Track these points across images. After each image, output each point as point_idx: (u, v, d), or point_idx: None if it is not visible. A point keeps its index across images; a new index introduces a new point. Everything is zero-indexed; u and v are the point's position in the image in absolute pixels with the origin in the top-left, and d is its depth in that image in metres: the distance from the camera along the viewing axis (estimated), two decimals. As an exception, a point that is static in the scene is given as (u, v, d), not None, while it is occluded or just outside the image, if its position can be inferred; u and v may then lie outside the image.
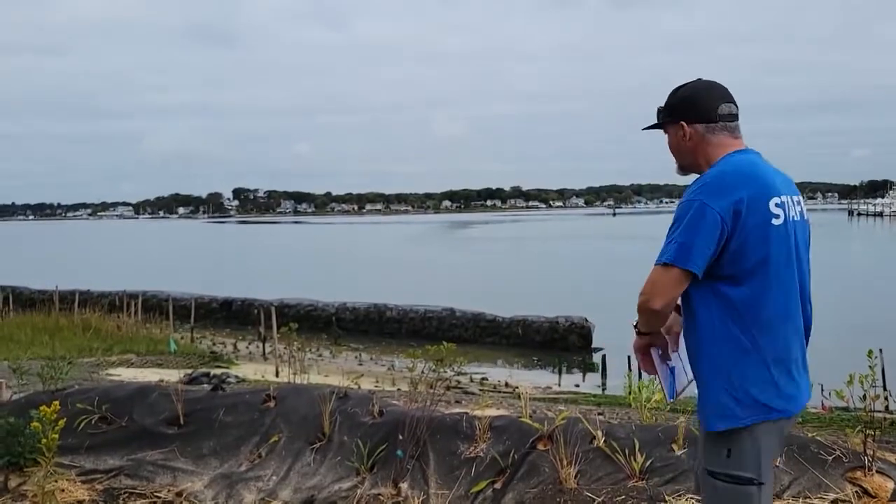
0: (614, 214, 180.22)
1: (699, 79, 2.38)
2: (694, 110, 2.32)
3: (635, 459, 3.89)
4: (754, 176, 2.21)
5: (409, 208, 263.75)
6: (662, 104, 2.41)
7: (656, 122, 2.43)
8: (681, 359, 2.45)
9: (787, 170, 2.40)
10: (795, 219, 2.25)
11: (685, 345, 2.38)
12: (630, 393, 5.27)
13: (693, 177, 2.35)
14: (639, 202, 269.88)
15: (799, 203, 2.30)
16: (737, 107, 2.34)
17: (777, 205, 2.20)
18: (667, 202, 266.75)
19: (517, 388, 13.67)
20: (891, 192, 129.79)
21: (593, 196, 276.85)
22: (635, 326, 2.41)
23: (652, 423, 4.50)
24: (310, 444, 4.60)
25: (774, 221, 2.18)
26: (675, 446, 3.99)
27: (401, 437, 4.36)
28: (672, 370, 2.47)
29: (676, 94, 2.38)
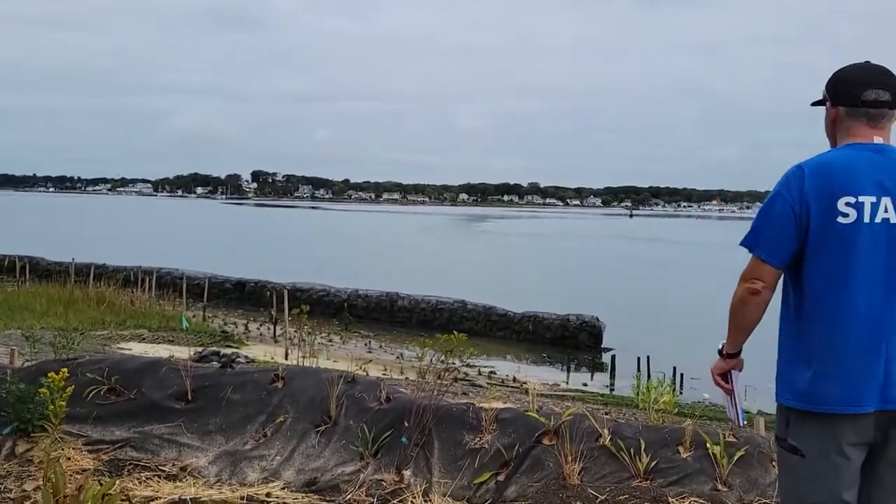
0: (631, 216, 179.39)
1: (866, 61, 2.32)
2: (841, 91, 2.28)
3: (640, 459, 3.86)
4: (836, 171, 2.18)
5: (426, 199, 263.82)
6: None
7: (821, 98, 2.38)
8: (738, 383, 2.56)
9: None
10: (873, 221, 2.15)
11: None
12: (638, 394, 5.23)
13: None
14: (656, 204, 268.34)
15: (891, 205, 2.17)
16: (891, 95, 2.23)
17: (849, 204, 2.14)
18: (685, 206, 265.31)
19: (525, 383, 13.68)
20: None
21: (611, 196, 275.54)
22: (720, 351, 2.51)
23: (659, 425, 4.47)
24: (315, 427, 4.61)
25: (841, 220, 2.14)
26: (681, 449, 3.96)
27: (406, 425, 4.35)
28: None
29: (835, 74, 2.34)
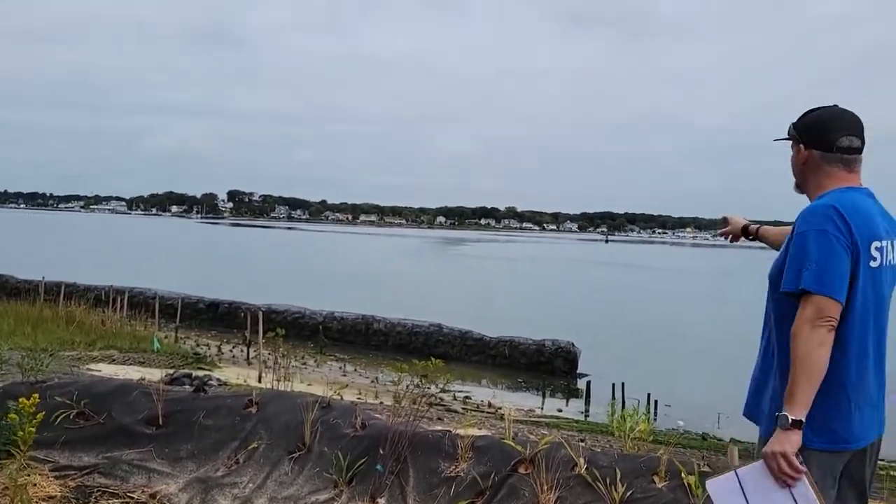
0: (607, 241, 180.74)
1: (835, 105, 2.40)
2: (814, 136, 2.36)
3: (616, 489, 3.85)
4: (862, 216, 2.23)
5: (404, 221, 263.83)
6: (794, 121, 2.46)
7: (787, 135, 2.47)
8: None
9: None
10: (893, 262, 2.29)
11: (767, 354, 2.34)
12: (613, 421, 5.23)
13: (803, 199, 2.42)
14: (632, 231, 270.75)
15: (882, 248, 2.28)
16: (862, 141, 2.34)
17: (877, 248, 2.23)
18: (659, 233, 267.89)
19: (500, 408, 13.62)
20: None
21: (587, 221, 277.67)
22: (782, 415, 2.12)
23: (634, 453, 4.48)
24: (289, 453, 4.55)
25: (872, 264, 2.22)
26: (656, 478, 3.96)
27: (381, 452, 4.32)
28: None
29: (806, 115, 2.42)
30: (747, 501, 2.08)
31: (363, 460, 4.33)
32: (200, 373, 13.01)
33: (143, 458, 4.58)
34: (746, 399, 2.45)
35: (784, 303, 2.26)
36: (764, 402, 2.33)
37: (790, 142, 2.46)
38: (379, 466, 4.20)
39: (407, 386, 5.04)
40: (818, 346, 2.11)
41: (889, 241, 2.27)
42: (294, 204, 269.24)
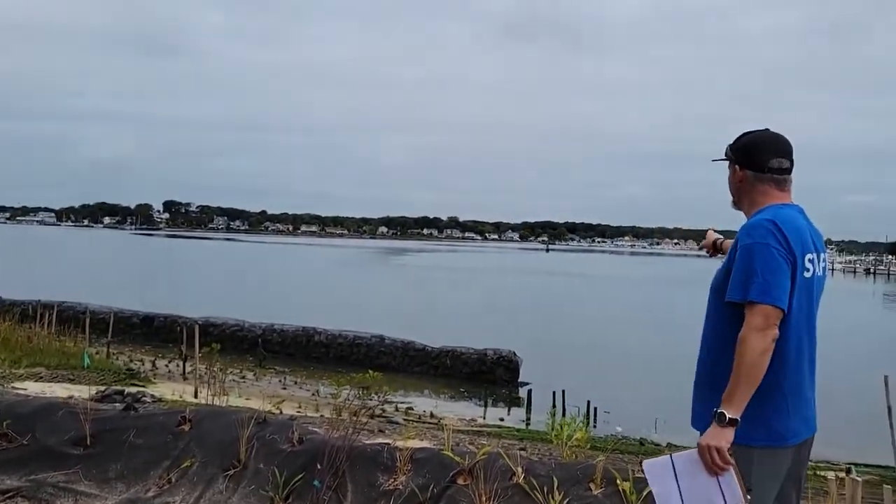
0: (547, 250, 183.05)
1: (767, 129, 2.61)
2: (748, 158, 2.56)
3: (553, 497, 3.89)
4: (797, 230, 2.41)
5: (346, 232, 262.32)
6: (731, 143, 2.64)
7: (723, 156, 2.66)
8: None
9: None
10: (819, 273, 2.48)
11: (708, 362, 2.46)
12: (552, 429, 5.28)
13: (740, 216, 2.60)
14: (572, 239, 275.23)
15: (824, 259, 2.52)
16: (791, 162, 2.55)
17: (810, 260, 2.43)
18: (599, 241, 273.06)
19: (442, 419, 13.62)
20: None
21: (528, 231, 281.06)
22: (720, 412, 2.27)
23: (572, 461, 4.53)
24: (224, 471, 4.45)
25: (806, 274, 2.41)
26: (592, 486, 4.01)
27: (319, 467, 4.26)
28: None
29: (741, 138, 2.61)
30: (678, 483, 2.25)
31: (300, 476, 4.27)
32: (134, 389, 12.62)
33: (70, 479, 4.41)
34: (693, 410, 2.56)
35: (725, 311, 2.40)
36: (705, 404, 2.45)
37: (727, 162, 2.65)
38: (316, 482, 4.15)
39: (346, 398, 5.00)
40: (762, 353, 2.27)
41: (817, 254, 2.47)
42: (233, 214, 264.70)
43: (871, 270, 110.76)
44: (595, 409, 15.05)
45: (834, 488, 4.63)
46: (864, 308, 48.23)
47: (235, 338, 21.94)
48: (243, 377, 17.32)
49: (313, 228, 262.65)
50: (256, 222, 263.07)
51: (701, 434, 2.36)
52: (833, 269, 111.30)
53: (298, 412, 12.36)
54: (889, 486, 5.82)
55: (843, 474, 7.90)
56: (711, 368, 2.46)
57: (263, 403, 6.15)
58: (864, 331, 31.21)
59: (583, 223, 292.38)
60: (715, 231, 3.25)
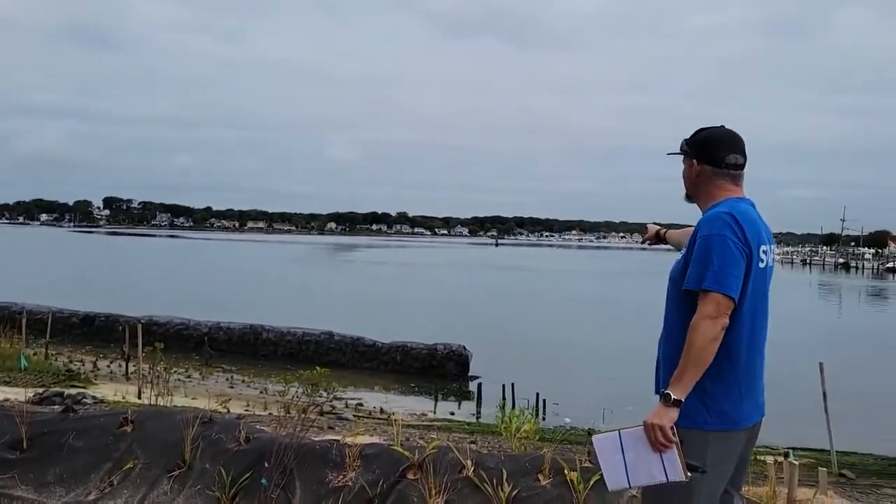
0: (497, 245, 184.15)
1: (722, 126, 2.70)
2: (706, 153, 2.65)
3: (502, 489, 3.92)
4: (752, 223, 2.52)
5: (293, 228, 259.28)
6: (689, 137, 2.72)
7: (679, 150, 2.75)
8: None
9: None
10: (770, 265, 2.60)
11: (669, 352, 2.54)
12: (502, 423, 5.32)
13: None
14: (521, 234, 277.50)
15: (773, 251, 2.62)
16: (745, 158, 2.66)
17: (763, 251, 2.54)
18: (547, 235, 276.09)
19: (392, 414, 13.60)
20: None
21: (477, 226, 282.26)
22: (666, 393, 2.39)
23: (521, 453, 4.57)
24: (168, 472, 4.36)
25: (760, 265, 2.52)
26: (541, 476, 4.06)
27: (267, 465, 4.21)
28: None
29: (698, 133, 2.70)
30: (624, 457, 2.37)
31: (248, 475, 4.21)
32: (74, 391, 12.27)
33: (6, 485, 4.26)
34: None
35: (684, 300, 2.50)
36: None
37: (681, 156, 2.74)
38: (264, 480, 4.09)
39: (295, 395, 4.94)
40: (712, 340, 2.36)
41: (769, 246, 2.58)
42: (177, 211, 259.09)
43: (808, 261, 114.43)
44: (544, 401, 15.22)
45: (772, 472, 4.78)
46: (802, 297, 49.90)
47: (181, 337, 21.50)
48: (189, 377, 16.99)
49: (260, 225, 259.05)
50: (201, 219, 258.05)
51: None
52: (772, 262, 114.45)
53: (246, 411, 12.18)
54: (824, 469, 6.04)
55: (781, 458, 8.17)
56: (673, 354, 2.52)
57: (209, 402, 6.02)
58: (801, 319, 32.27)
59: (531, 217, 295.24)
60: (656, 224, 3.35)
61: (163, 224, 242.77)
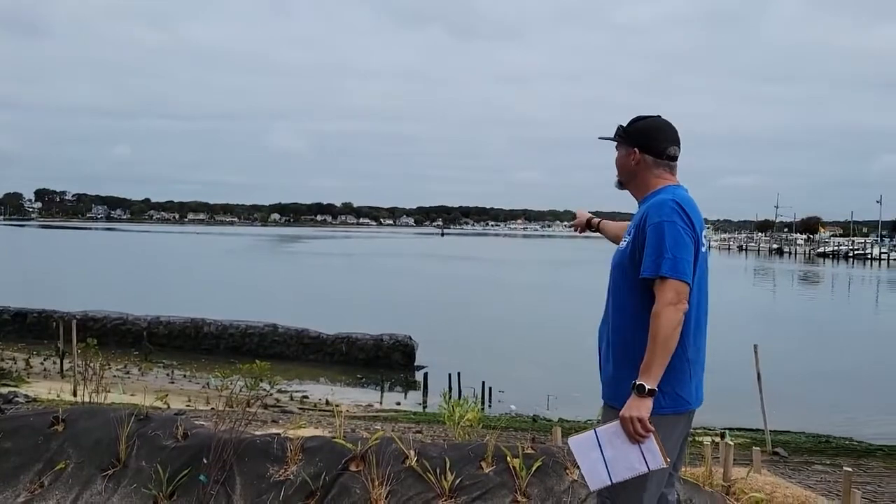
0: (442, 234, 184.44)
1: (659, 116, 2.74)
2: (647, 143, 2.68)
3: (445, 478, 3.92)
4: (694, 209, 2.59)
5: (236, 220, 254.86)
6: (626, 124, 2.73)
7: (613, 136, 2.76)
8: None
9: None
10: (708, 249, 2.68)
11: (620, 340, 2.57)
12: (445, 411, 5.33)
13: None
14: (466, 223, 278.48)
15: (707, 237, 2.68)
16: (680, 149, 2.73)
17: (704, 236, 2.62)
18: (492, 225, 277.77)
19: (338, 406, 13.52)
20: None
21: (423, 216, 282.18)
22: (639, 384, 2.39)
23: (464, 441, 4.58)
24: (102, 472, 4.23)
25: (703, 249, 2.59)
26: (483, 464, 4.07)
27: (205, 461, 4.11)
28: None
29: (637, 122, 2.73)
30: (603, 455, 2.38)
31: (186, 472, 4.11)
32: (5, 390, 11.85)
33: (-73, 491, 4.07)
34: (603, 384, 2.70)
35: (634, 287, 2.52)
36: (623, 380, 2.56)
37: (615, 142, 2.76)
38: (202, 477, 4.00)
39: (236, 390, 4.84)
40: (676, 326, 2.40)
41: (704, 231, 2.64)
42: (113, 203, 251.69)
43: (743, 247, 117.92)
44: (490, 389, 15.35)
45: (709, 453, 4.91)
46: (739, 282, 51.42)
47: (118, 332, 20.95)
48: (128, 373, 16.57)
49: (201, 216, 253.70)
50: (139, 211, 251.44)
51: (619, 406, 2.45)
52: (710, 247, 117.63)
53: (188, 406, 11.94)
54: (757, 448, 6.23)
55: (718, 439, 8.41)
56: (624, 345, 2.55)
57: (145, 398, 5.87)
58: (738, 304, 33.26)
59: (477, 207, 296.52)
60: (588, 212, 3.35)
61: (99, 217, 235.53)
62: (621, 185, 2.77)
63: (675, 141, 2.70)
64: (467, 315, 28.96)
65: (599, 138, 2.80)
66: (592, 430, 2.45)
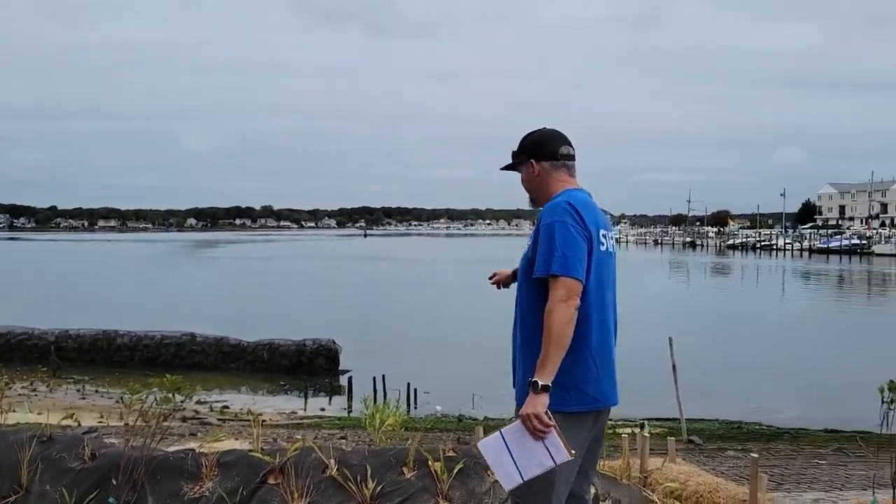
0: (365, 236, 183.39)
1: (544, 127, 2.84)
2: (541, 150, 2.77)
3: (367, 486, 3.88)
4: (590, 209, 2.65)
5: (150, 226, 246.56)
6: (515, 149, 2.82)
7: (512, 161, 2.85)
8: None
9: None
10: (611, 249, 2.70)
11: (527, 342, 2.59)
12: (366, 416, 5.27)
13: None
14: (389, 224, 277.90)
15: (613, 237, 2.75)
16: (574, 150, 2.81)
17: (603, 235, 2.67)
18: (415, 224, 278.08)
19: (261, 415, 13.24)
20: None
21: (345, 217, 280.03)
22: (533, 381, 2.44)
23: (386, 447, 4.54)
24: (3, 499, 4.00)
25: (601, 248, 2.65)
26: (405, 469, 4.05)
27: (115, 482, 3.94)
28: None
29: (527, 138, 2.82)
30: (511, 454, 2.44)
31: (93, 494, 3.94)
32: None
33: None
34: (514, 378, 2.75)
35: (534, 287, 2.57)
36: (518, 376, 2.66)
37: (516, 165, 2.84)
38: (111, 499, 3.84)
39: (151, 403, 4.66)
40: (568, 322, 2.45)
41: (608, 231, 2.71)
42: (16, 211, 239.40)
43: (659, 241, 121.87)
44: (415, 390, 15.33)
45: (626, 445, 5.03)
46: (654, 276, 53.12)
47: (23, 347, 19.92)
48: (34, 390, 15.78)
49: (112, 224, 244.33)
50: (45, 219, 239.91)
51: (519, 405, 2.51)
52: (628, 242, 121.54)
53: (100, 423, 11.45)
54: (672, 437, 6.44)
55: (637, 430, 8.64)
56: (529, 339, 2.59)
57: (49, 417, 5.56)
58: (654, 296, 34.34)
59: (399, 207, 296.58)
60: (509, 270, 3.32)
61: (0, 226, 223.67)
62: (533, 202, 2.86)
63: (567, 141, 2.81)
64: (391, 317, 28.86)
65: (501, 169, 2.90)
66: (499, 432, 2.50)
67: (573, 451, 2.45)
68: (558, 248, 2.49)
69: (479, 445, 2.55)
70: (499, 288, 3.34)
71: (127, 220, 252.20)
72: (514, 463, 2.44)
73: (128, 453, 4.11)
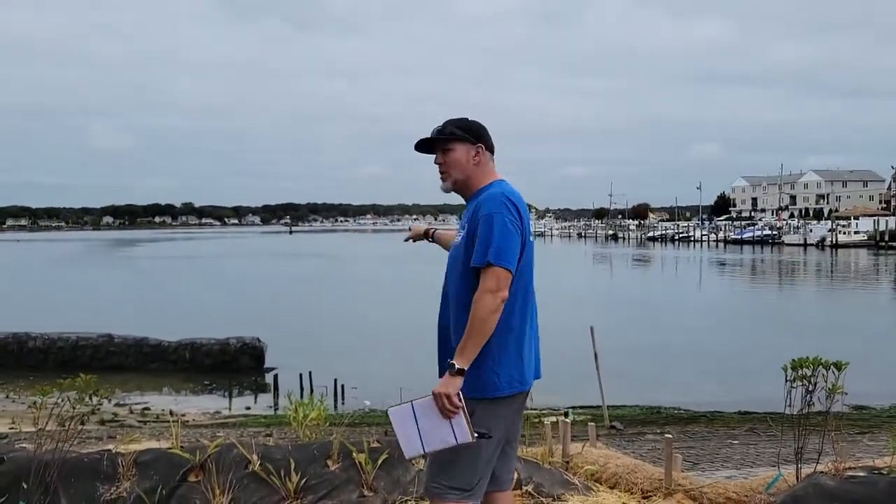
0: (291, 232, 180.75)
1: (467, 117, 2.84)
2: (487, 139, 2.82)
3: (290, 479, 3.86)
4: (520, 201, 2.71)
5: (63, 224, 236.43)
6: (451, 124, 2.79)
7: (452, 135, 2.78)
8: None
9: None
10: (532, 239, 2.78)
11: (458, 330, 2.61)
12: (290, 412, 5.23)
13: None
14: (315, 220, 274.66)
15: (549, 225, 2.77)
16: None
17: (532, 226, 2.77)
18: (342, 220, 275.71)
19: (183, 415, 12.94)
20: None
21: (270, 214, 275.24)
22: (451, 363, 2.51)
23: (309, 441, 4.52)
24: None
25: (531, 238, 2.73)
26: (329, 462, 4.04)
27: (25, 487, 3.79)
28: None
29: (469, 121, 2.82)
30: (418, 426, 2.54)
31: (2, 500, 3.78)
32: None
33: None
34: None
35: (466, 276, 2.62)
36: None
37: (455, 143, 2.78)
38: (22, 503, 3.69)
39: (56, 406, 4.49)
40: (492, 312, 2.51)
41: (529, 220, 2.77)
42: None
43: (582, 234, 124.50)
44: (342, 386, 15.25)
45: (549, 431, 5.14)
46: (578, 267, 54.28)
47: (-74, 354, 18.83)
48: (-61, 398, 14.96)
49: (22, 223, 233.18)
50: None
51: (476, 394, 2.58)
52: (552, 235, 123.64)
53: (11, 429, 10.94)
54: (592, 423, 6.62)
55: (563, 417, 8.84)
56: (459, 326, 2.62)
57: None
58: (577, 287, 35.10)
59: (325, 203, 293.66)
60: (420, 223, 3.54)
61: None
62: (455, 184, 2.80)
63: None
64: (317, 313, 28.59)
65: (430, 137, 2.79)
66: (409, 402, 2.59)
67: (475, 435, 2.52)
68: (496, 238, 2.55)
69: (389, 412, 2.62)
70: (413, 241, 3.47)
71: (38, 218, 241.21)
72: (419, 434, 2.54)
73: (39, 456, 3.96)
